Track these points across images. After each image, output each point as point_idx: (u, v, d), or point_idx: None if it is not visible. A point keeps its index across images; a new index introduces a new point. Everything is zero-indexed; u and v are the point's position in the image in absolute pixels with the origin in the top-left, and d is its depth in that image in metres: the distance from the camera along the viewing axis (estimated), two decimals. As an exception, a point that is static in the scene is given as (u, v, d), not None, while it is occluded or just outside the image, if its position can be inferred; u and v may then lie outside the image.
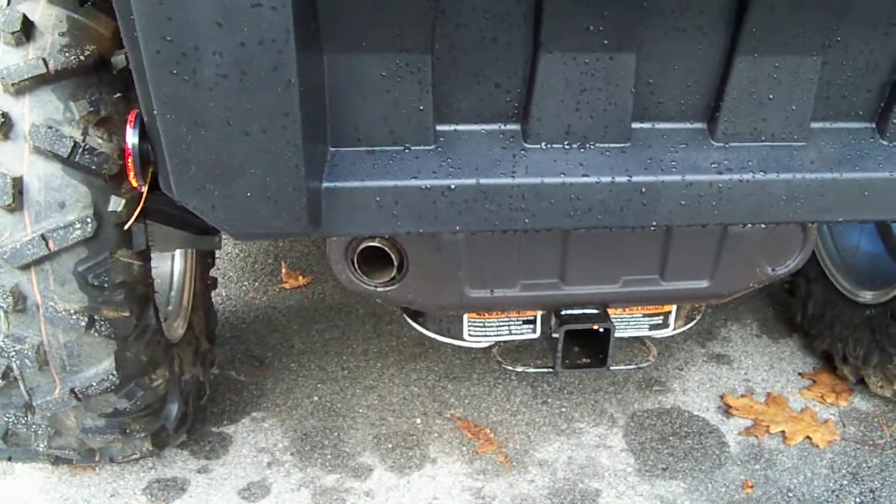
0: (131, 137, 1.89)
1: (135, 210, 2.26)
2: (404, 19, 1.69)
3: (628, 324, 2.82)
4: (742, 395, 3.47)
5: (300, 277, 4.15)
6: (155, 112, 1.60)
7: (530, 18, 1.75)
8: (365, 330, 3.79)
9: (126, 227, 2.26)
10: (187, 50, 1.51)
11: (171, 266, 3.15)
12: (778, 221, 2.07)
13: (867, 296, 3.46)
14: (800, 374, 3.64)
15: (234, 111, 1.58)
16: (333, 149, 1.85)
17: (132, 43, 1.56)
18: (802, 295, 3.81)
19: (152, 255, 2.55)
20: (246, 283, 4.12)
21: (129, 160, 1.92)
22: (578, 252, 2.44)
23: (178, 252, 3.19)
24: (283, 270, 4.19)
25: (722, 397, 3.45)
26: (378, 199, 1.85)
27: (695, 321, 2.95)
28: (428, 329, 2.83)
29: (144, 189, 2.02)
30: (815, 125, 2.03)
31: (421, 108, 1.83)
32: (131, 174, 1.94)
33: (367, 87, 1.78)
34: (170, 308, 3.03)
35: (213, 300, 3.49)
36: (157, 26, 1.48)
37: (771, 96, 1.93)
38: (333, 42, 1.70)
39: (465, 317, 2.73)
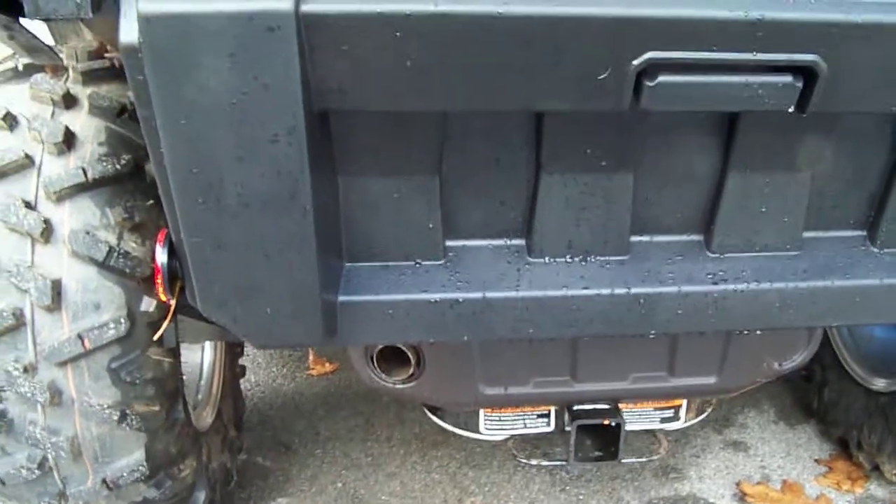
0: (160, 256, 2.01)
1: (164, 319, 2.38)
2: (413, 145, 1.82)
3: (640, 417, 2.90)
4: (758, 483, 3.52)
5: (327, 364, 4.24)
6: (182, 235, 1.73)
7: (531, 142, 1.88)
8: (389, 417, 3.87)
9: (156, 337, 2.38)
10: (211, 181, 1.64)
11: (201, 356, 3.25)
12: (773, 328, 2.16)
13: (881, 383, 3.50)
14: (816, 460, 3.69)
15: (254, 235, 1.71)
16: (348, 264, 1.98)
17: (161, 172, 1.70)
18: (818, 381, 3.85)
19: (182, 346, 2.66)
20: (274, 370, 4.22)
21: (159, 277, 2.04)
22: (588, 351, 2.55)
23: (207, 343, 3.30)
24: (311, 357, 4.29)
25: (738, 484, 3.50)
26: (390, 311, 1.96)
27: (706, 413, 3.03)
28: (446, 422, 2.93)
29: (173, 302, 2.14)
30: (807, 234, 2.13)
31: (430, 225, 1.95)
32: (160, 289, 2.06)
33: (380, 206, 1.90)
34: (199, 397, 3.14)
35: (242, 386, 3.58)
36: (184, 159, 1.62)
37: (763, 209, 2.04)
38: (347, 167, 1.83)
39: (482, 411, 2.83)
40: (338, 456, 3.64)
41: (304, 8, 1.49)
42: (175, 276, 2.03)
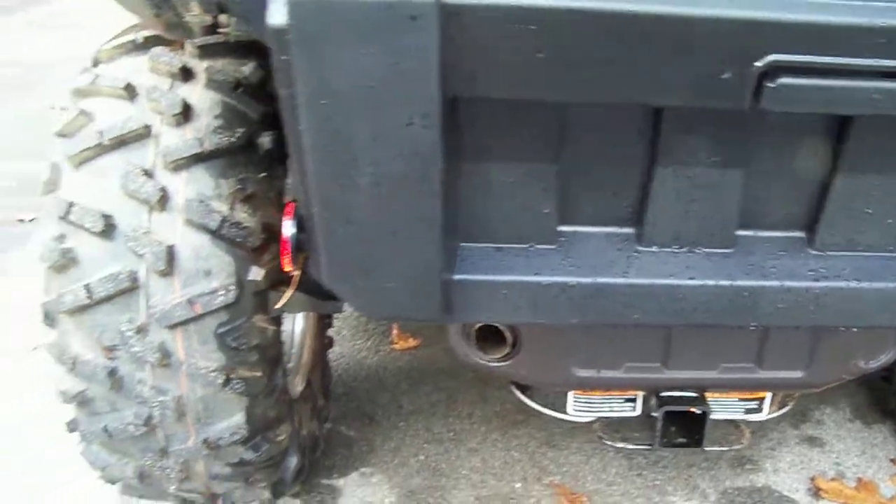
0: (288, 229, 2.09)
1: (280, 286, 2.48)
2: (535, 133, 1.88)
3: (724, 407, 2.95)
4: (833, 479, 3.54)
5: (410, 339, 4.31)
6: (314, 210, 1.81)
7: (648, 135, 1.93)
8: (471, 394, 3.93)
9: (279, 305, 2.48)
10: (347, 160, 1.71)
11: (292, 326, 3.35)
12: (870, 327, 2.20)
13: (959, 389, 3.53)
14: (892, 460, 3.69)
15: (384, 213, 1.79)
16: (465, 244, 2.05)
17: (297, 150, 1.77)
18: (897, 383, 3.87)
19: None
20: (359, 343, 4.30)
21: (286, 249, 2.12)
22: (681, 340, 2.60)
23: (300, 313, 3.39)
24: (395, 332, 4.35)
25: (812, 479, 3.53)
26: (504, 291, 2.03)
27: (788, 406, 3.06)
28: (534, 401, 3.00)
29: (297, 273, 2.22)
30: (911, 236, 2.17)
31: (546, 210, 2.01)
32: (286, 261, 2.13)
33: (498, 190, 1.97)
34: (290, 365, 3.22)
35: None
36: (322, 138, 1.69)
37: (869, 210, 2.07)
38: (470, 152, 1.90)
39: (571, 392, 2.89)
40: (420, 430, 3.72)
41: (452, -1, 1.56)
42: (301, 249, 2.11)
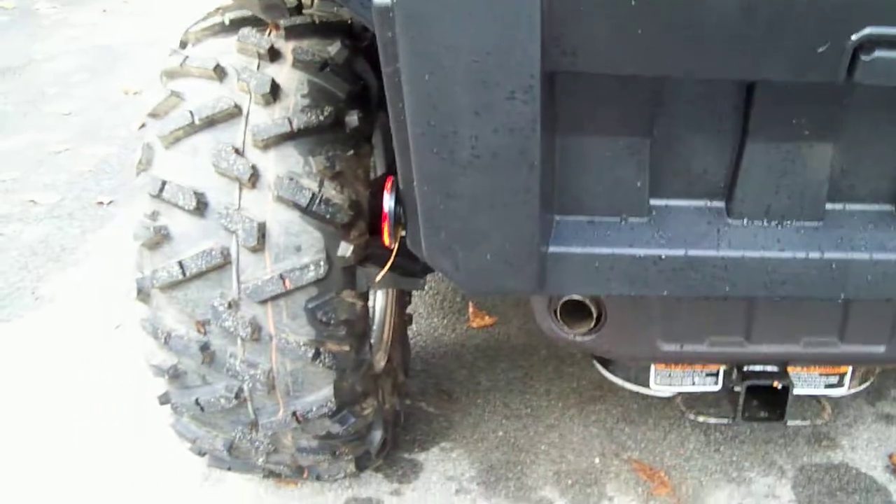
0: (388, 202, 2.13)
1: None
2: (629, 108, 1.91)
3: (806, 382, 2.96)
4: (911, 456, 3.55)
5: (486, 317, 4.35)
6: (414, 183, 1.85)
7: (740, 110, 1.95)
8: (547, 371, 3.97)
9: (378, 278, 2.55)
10: (448, 133, 1.76)
11: (373, 303, 3.39)
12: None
13: None
14: (968, 437, 3.69)
15: (483, 187, 1.83)
16: (558, 217, 2.08)
17: (399, 125, 1.82)
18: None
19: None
20: (435, 320, 4.34)
21: (385, 222, 2.16)
22: (764, 313, 2.61)
23: (380, 291, 3.44)
24: (471, 310, 4.39)
25: (890, 457, 3.52)
26: (596, 264, 2.06)
27: (868, 382, 3.06)
28: (617, 376, 3.03)
29: (395, 247, 2.26)
30: None
31: (638, 184, 2.04)
32: (385, 234, 2.17)
33: (593, 165, 2.00)
34: (373, 341, 3.28)
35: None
36: (424, 113, 1.74)
37: (957, 182, 2.09)
38: (566, 126, 1.93)
39: (653, 366, 2.92)
40: (498, 406, 3.76)
41: (550, -27, 1.60)
42: (399, 223, 2.15)
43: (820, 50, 1.69)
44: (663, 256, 2.06)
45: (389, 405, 3.16)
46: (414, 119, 1.75)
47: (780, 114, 1.93)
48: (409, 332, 3.78)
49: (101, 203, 5.39)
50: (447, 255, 1.98)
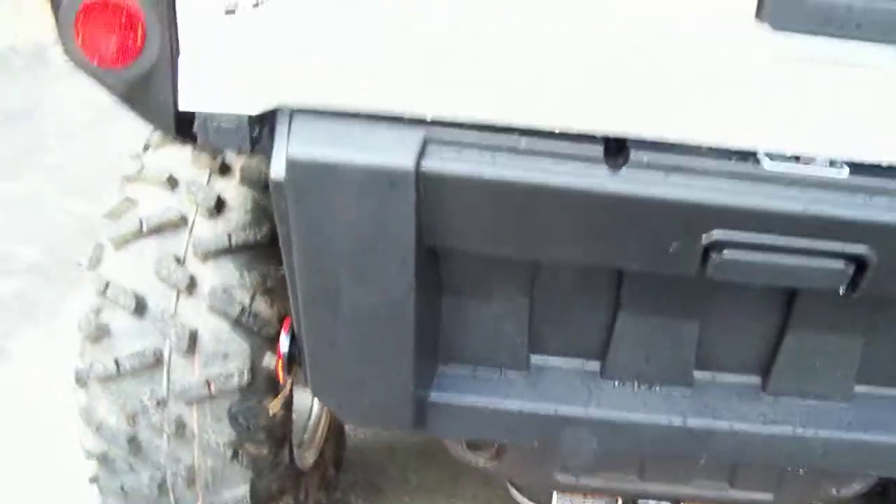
0: (284, 344, 2.30)
1: (282, 395, 2.68)
2: (509, 278, 2.09)
3: (701, 517, 3.10)
4: None
5: (424, 416, 4.40)
6: (302, 332, 2.04)
7: (612, 285, 2.13)
8: (476, 477, 3.96)
9: (272, 414, 2.67)
10: (331, 294, 1.95)
11: (311, 399, 3.52)
12: (816, 470, 2.36)
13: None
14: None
15: (363, 340, 2.02)
16: (443, 366, 2.25)
17: (291, 278, 2.01)
18: (892, 499, 3.94)
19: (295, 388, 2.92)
20: (376, 415, 4.39)
21: (279, 362, 2.32)
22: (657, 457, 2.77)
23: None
24: (412, 408, 4.44)
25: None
26: (475, 412, 2.24)
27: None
28: (522, 495, 3.16)
29: (290, 381, 2.41)
30: (858, 389, 2.32)
31: (518, 341, 2.21)
32: (280, 371, 2.33)
33: (476, 321, 2.18)
34: (305, 437, 3.40)
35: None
36: (311, 274, 1.93)
37: (818, 363, 2.24)
38: (450, 289, 2.11)
39: (555, 492, 3.07)
40: (423, 505, 3.83)
41: (425, 167, 1.78)
42: (294, 361, 2.31)
43: (672, 249, 1.87)
44: (537, 410, 2.22)
45: (314, 499, 3.29)
46: (302, 278, 1.94)
47: (648, 293, 2.11)
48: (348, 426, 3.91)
49: (80, 264, 5.39)
50: (331, 395, 2.16)
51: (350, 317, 1.98)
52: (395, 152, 1.79)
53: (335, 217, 1.84)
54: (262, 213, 2.62)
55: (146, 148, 2.88)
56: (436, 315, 2.14)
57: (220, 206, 2.58)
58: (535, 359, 2.27)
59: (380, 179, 1.79)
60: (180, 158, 2.72)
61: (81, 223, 5.81)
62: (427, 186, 1.80)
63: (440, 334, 2.20)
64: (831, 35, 1.78)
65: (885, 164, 1.87)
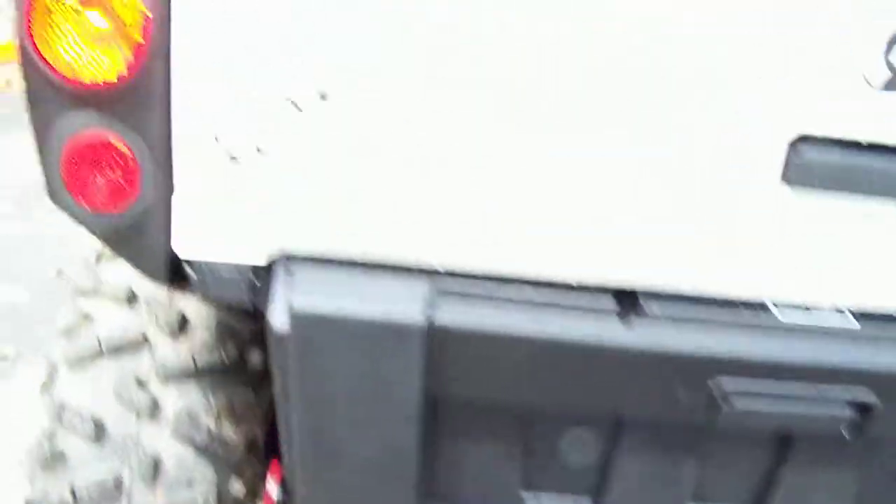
0: (273, 491, 2.22)
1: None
2: (507, 422, 2.04)
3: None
4: None
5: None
6: (297, 481, 1.95)
7: (612, 426, 2.08)
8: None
9: None
10: (332, 447, 1.87)
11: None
12: None
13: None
14: None
15: (363, 488, 1.94)
16: (438, 504, 2.19)
17: (288, 430, 1.92)
18: None
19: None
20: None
21: (270, 507, 2.24)
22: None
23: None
24: None
25: None
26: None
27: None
28: None
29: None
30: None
31: (511, 480, 2.15)
32: (270, 519, 2.25)
33: (472, 462, 2.11)
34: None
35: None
36: (311, 427, 1.85)
37: (814, 497, 2.21)
38: (448, 433, 2.04)
39: None
40: None
41: (434, 319, 1.72)
42: (284, 507, 2.23)
43: (680, 398, 1.83)
44: None
45: None
46: (301, 430, 1.86)
47: (648, 435, 2.06)
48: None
49: (6, 358, 5.24)
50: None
51: (351, 466, 1.90)
52: (403, 304, 1.73)
53: (340, 370, 1.76)
54: (226, 332, 2.53)
55: (98, 259, 2.76)
56: (432, 457, 2.07)
57: (182, 324, 2.49)
58: (528, 496, 2.20)
59: (388, 332, 1.72)
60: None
61: (6, 310, 5.60)
62: (436, 338, 1.74)
63: (437, 474, 2.12)
64: (849, 193, 1.76)
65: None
